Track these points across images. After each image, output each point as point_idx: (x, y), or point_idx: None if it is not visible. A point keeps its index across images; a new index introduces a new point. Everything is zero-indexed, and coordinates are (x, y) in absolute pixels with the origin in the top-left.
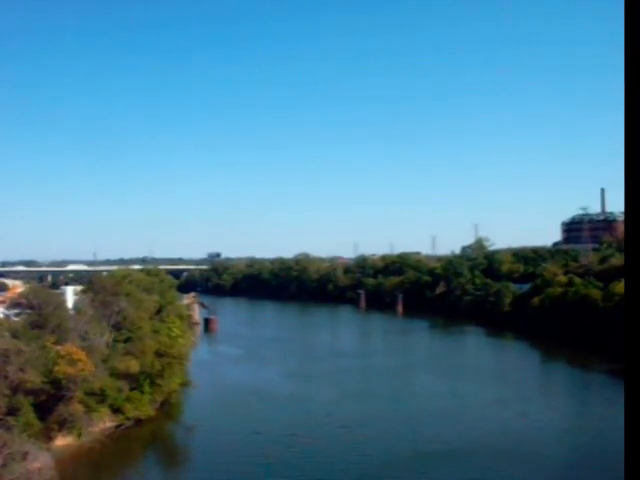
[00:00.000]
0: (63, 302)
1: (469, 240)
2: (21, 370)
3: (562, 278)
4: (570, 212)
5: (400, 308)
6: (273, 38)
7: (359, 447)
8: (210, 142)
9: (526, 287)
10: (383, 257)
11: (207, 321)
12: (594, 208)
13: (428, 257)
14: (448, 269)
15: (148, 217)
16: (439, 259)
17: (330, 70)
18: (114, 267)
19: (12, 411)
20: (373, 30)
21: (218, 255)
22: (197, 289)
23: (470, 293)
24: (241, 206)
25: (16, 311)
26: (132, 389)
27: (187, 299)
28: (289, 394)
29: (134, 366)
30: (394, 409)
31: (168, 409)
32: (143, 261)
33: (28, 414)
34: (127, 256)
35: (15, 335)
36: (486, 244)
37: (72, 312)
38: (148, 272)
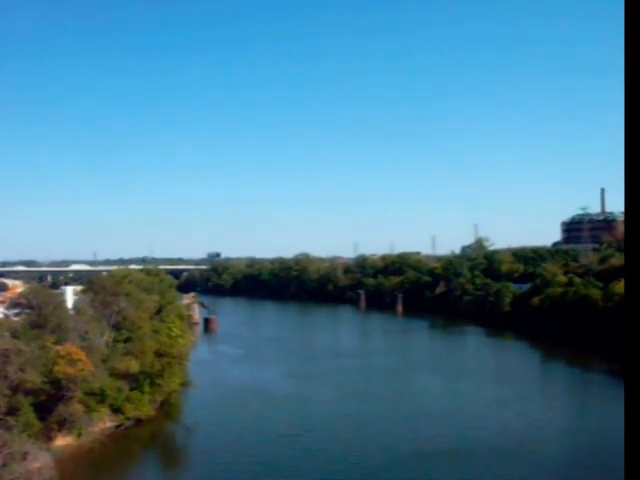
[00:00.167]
0: (63, 302)
1: (469, 240)
2: (21, 370)
3: (562, 278)
4: (570, 212)
5: (400, 308)
6: (273, 38)
7: (359, 447)
8: (210, 142)
9: (526, 287)
10: (383, 257)
11: (207, 321)
12: (594, 208)
13: (428, 257)
14: (448, 269)
15: (148, 217)
16: (439, 259)
17: (330, 70)
18: (114, 267)
19: (12, 411)
20: (373, 30)
21: (218, 255)
22: (197, 289)
23: (470, 293)
24: (241, 206)
25: (16, 311)
26: (132, 389)
27: (187, 299)
28: (289, 394)
29: (134, 366)
30: (394, 409)
31: (168, 409)
32: (143, 261)
33: (28, 414)
34: (127, 256)
35: (15, 335)
36: (486, 244)
37: (72, 312)
38: (148, 272)
